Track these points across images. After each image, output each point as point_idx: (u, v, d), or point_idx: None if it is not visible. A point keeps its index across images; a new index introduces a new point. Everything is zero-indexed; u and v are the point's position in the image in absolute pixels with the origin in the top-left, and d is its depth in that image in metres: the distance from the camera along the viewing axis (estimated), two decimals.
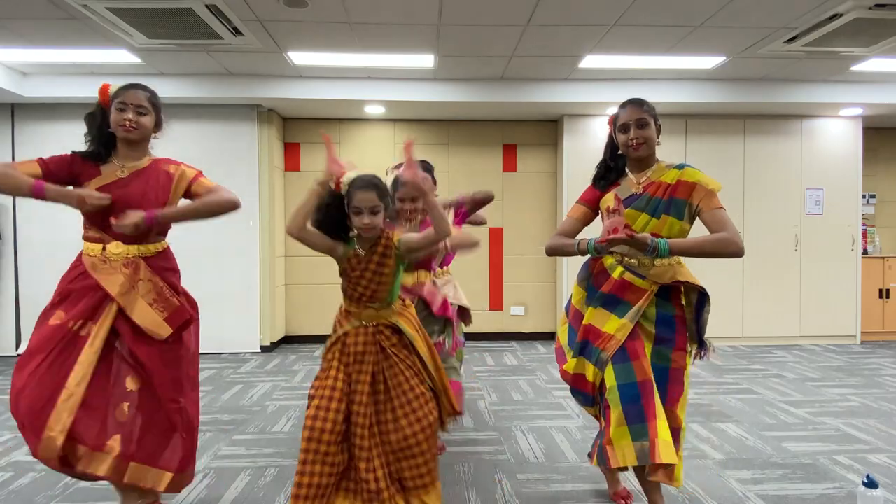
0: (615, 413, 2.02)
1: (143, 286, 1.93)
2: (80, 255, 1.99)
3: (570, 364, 2.23)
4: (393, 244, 1.95)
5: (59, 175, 1.94)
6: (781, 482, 2.61)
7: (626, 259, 2.11)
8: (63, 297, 1.93)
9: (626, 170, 2.22)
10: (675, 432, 2.04)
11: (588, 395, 2.18)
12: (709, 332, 2.19)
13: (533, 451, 3.01)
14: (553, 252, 2.27)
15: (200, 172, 2.18)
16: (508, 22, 3.93)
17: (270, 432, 3.32)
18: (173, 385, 2.02)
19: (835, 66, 4.91)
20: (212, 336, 5.51)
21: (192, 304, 2.17)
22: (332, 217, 1.89)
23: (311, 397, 1.90)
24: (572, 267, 5.83)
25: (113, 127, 2.00)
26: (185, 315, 2.01)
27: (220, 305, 5.52)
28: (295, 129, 6.13)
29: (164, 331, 1.96)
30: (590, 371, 2.14)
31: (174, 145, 6.32)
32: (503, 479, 2.66)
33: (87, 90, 5.09)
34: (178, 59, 4.68)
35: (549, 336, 6.31)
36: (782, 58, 4.68)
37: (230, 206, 2.07)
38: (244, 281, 5.60)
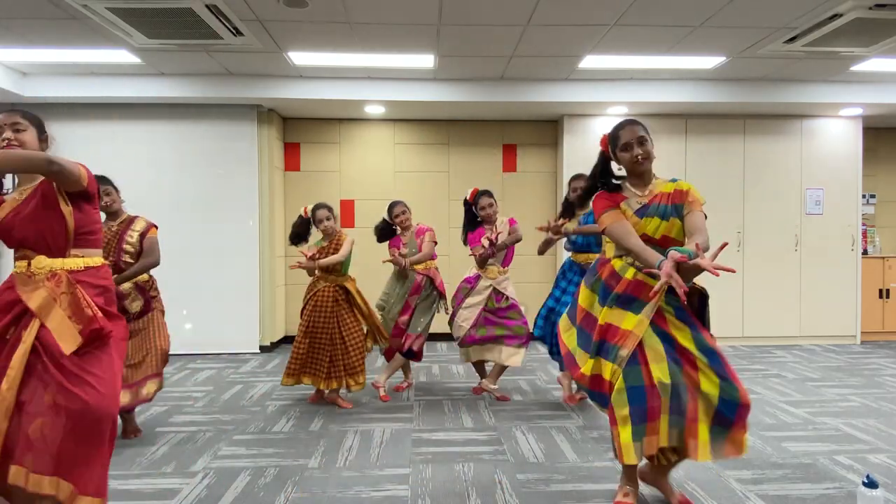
0: (620, 413, 2.11)
1: (63, 299, 1.90)
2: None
3: (588, 366, 2.25)
4: (341, 241, 3.77)
5: None
6: (781, 482, 2.61)
7: (638, 262, 2.20)
8: None
9: (626, 184, 2.35)
10: (744, 408, 2.07)
11: (606, 396, 2.19)
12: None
13: (533, 451, 3.01)
14: (637, 258, 2.18)
15: (82, 164, 2.05)
16: (508, 22, 3.93)
17: (270, 432, 3.32)
18: (109, 386, 1.91)
19: (835, 66, 4.91)
20: (212, 336, 5.54)
21: (101, 320, 1.95)
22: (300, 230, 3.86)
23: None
24: None
25: None
26: (94, 324, 1.88)
27: (219, 306, 5.52)
28: (295, 129, 6.13)
29: (73, 342, 1.85)
30: (607, 370, 2.19)
31: (175, 145, 6.33)
32: (503, 479, 2.66)
33: (87, 90, 5.10)
34: (178, 59, 4.69)
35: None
36: (782, 58, 4.68)
37: (47, 167, 1.86)
38: (244, 281, 5.60)
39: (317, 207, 3.78)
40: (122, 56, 4.54)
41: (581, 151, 5.87)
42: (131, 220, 3.26)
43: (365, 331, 3.86)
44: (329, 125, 6.14)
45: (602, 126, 5.90)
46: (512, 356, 3.82)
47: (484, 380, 4.05)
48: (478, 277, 3.94)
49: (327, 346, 3.69)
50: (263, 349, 5.63)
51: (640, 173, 2.30)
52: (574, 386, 3.82)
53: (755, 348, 5.82)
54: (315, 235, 3.92)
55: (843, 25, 3.88)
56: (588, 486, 2.57)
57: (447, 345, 6.00)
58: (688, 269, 1.92)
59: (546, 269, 6.24)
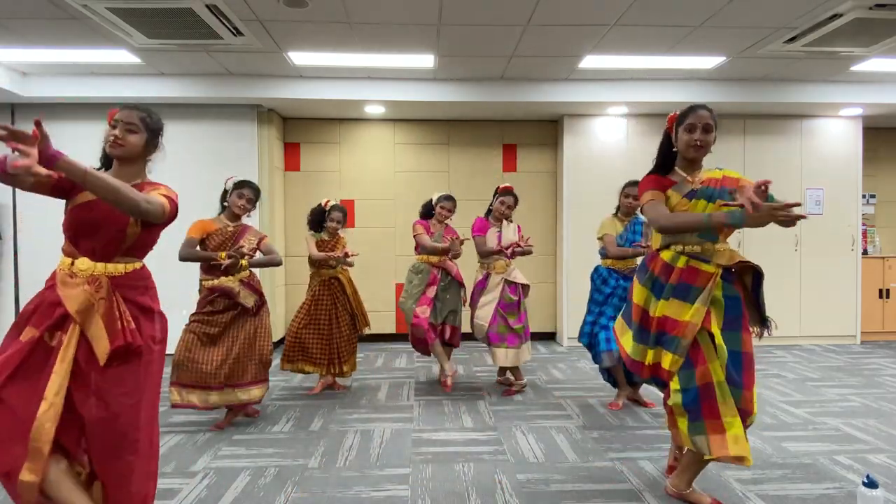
0: (678, 412, 2.24)
1: (101, 305, 1.86)
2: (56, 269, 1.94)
3: (649, 356, 2.32)
4: (342, 238, 4.17)
5: (62, 184, 1.89)
6: (781, 482, 2.61)
7: (688, 247, 2.26)
8: (33, 311, 1.86)
9: (676, 168, 2.37)
10: (746, 414, 2.22)
11: (665, 382, 2.32)
12: (773, 334, 2.38)
13: (533, 451, 3.01)
14: (677, 228, 2.24)
15: (171, 200, 1.99)
16: (508, 22, 3.93)
17: (270, 432, 3.32)
18: (130, 411, 1.87)
19: (835, 66, 4.91)
20: None
21: (150, 334, 1.94)
22: (316, 218, 4.11)
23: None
24: (572, 267, 5.84)
25: (104, 143, 1.99)
26: (118, 340, 1.83)
27: None
28: (295, 129, 6.13)
29: (104, 354, 1.82)
30: (667, 359, 2.26)
31: (175, 145, 6.35)
32: (503, 479, 2.66)
33: (87, 90, 5.09)
34: (178, 59, 4.69)
35: (550, 336, 6.31)
36: (782, 58, 4.68)
37: (135, 208, 1.81)
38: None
39: (336, 209, 4.09)
40: (122, 56, 4.54)
41: (581, 151, 5.87)
42: (245, 228, 3.48)
43: (352, 316, 4.15)
44: (329, 125, 6.14)
45: (602, 126, 5.91)
46: (519, 353, 4.04)
47: (509, 377, 4.31)
48: (487, 277, 4.07)
49: (326, 334, 4.00)
50: None
51: (693, 159, 2.32)
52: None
53: (755, 348, 5.77)
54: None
55: (843, 25, 3.88)
56: (588, 486, 2.57)
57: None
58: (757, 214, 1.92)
59: (546, 268, 6.24)
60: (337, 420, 3.53)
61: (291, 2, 3.58)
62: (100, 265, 1.90)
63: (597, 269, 3.88)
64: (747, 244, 5.94)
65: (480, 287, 4.10)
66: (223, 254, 3.27)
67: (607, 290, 3.73)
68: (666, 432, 3.27)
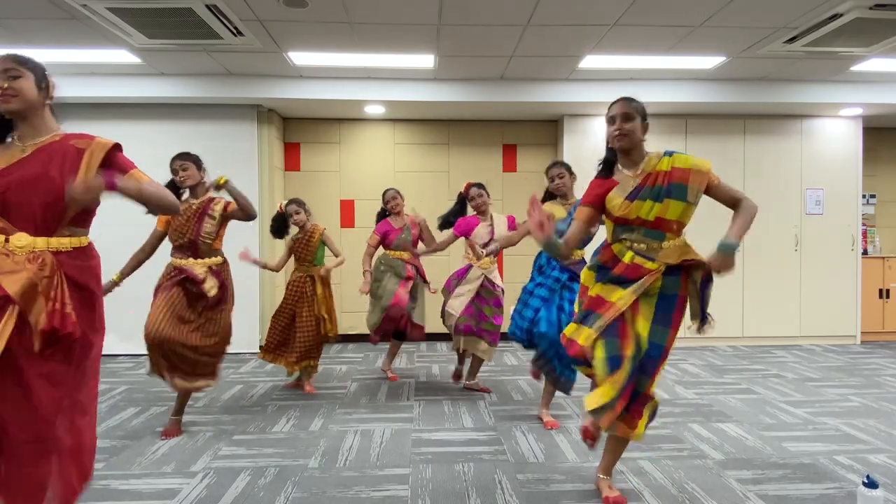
0: (601, 378, 2.23)
1: (45, 284, 1.64)
2: None
3: (570, 329, 2.37)
4: (318, 235, 4.13)
5: None
6: (781, 482, 2.61)
7: (636, 245, 2.24)
8: None
9: (619, 167, 2.36)
10: (646, 398, 2.26)
11: (579, 358, 2.34)
12: (708, 333, 2.31)
13: (533, 451, 3.01)
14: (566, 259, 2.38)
15: (119, 146, 1.84)
16: (508, 22, 3.93)
17: (270, 432, 3.32)
18: (52, 406, 1.67)
19: (835, 66, 4.91)
20: None
21: (89, 324, 1.75)
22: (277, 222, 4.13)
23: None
24: None
25: None
26: (52, 322, 1.64)
27: None
28: (295, 129, 6.13)
29: (38, 339, 1.63)
30: (584, 333, 2.28)
31: (175, 145, 6.36)
32: (503, 479, 2.66)
33: (87, 90, 5.10)
34: (178, 59, 4.69)
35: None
36: (782, 58, 4.68)
37: (174, 208, 1.84)
38: (244, 281, 5.57)
39: (288, 203, 4.09)
40: (122, 56, 4.54)
41: (581, 151, 5.87)
42: (210, 200, 3.26)
43: (316, 318, 4.08)
44: (329, 125, 6.14)
45: (602, 126, 5.88)
46: (485, 351, 3.98)
47: (465, 376, 4.28)
48: (468, 268, 4.00)
49: (298, 329, 4.03)
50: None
51: (625, 151, 2.31)
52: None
53: (755, 348, 5.82)
54: (295, 229, 4.24)
55: (843, 25, 3.88)
56: (588, 486, 2.57)
57: (447, 345, 6.00)
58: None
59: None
60: (337, 420, 3.53)
61: (291, 2, 3.58)
62: (40, 240, 1.68)
63: (539, 254, 3.61)
64: (747, 244, 5.94)
65: (459, 276, 4.01)
66: (214, 287, 3.13)
67: (539, 279, 3.47)
68: (666, 432, 3.27)
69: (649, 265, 2.20)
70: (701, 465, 2.80)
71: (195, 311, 3.14)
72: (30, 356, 1.63)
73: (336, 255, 4.16)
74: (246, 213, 3.22)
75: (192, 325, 3.11)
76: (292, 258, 4.28)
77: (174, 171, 3.22)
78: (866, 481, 2.10)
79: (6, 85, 1.67)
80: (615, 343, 2.21)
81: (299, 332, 4.01)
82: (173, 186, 3.20)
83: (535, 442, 3.13)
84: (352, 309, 6.13)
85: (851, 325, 6.04)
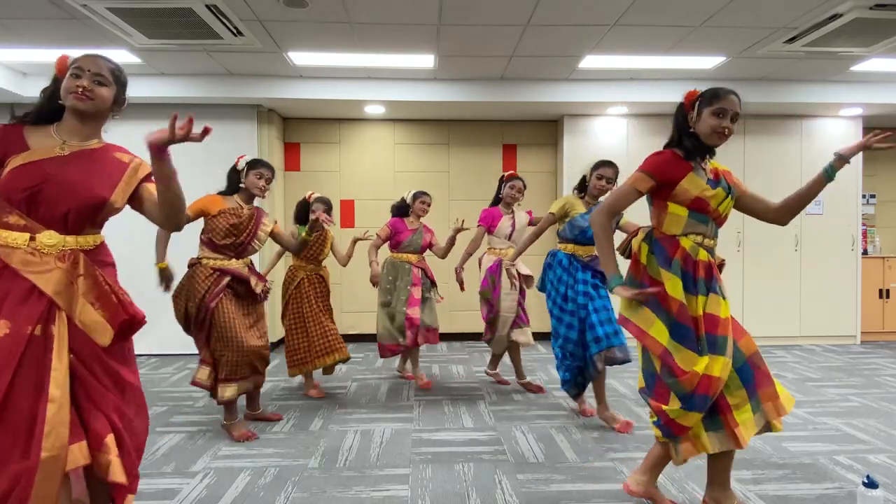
0: (739, 395, 2.04)
1: (83, 283, 1.63)
2: None
3: (701, 364, 1.98)
4: (331, 238, 4.07)
5: None
6: (781, 482, 2.61)
7: (706, 241, 2.13)
8: None
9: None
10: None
11: (711, 397, 1.99)
12: None
13: (533, 451, 3.01)
14: (594, 238, 2.18)
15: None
16: (508, 22, 3.93)
17: (270, 432, 3.32)
18: (135, 377, 1.77)
19: (835, 66, 4.91)
20: None
21: (130, 306, 1.76)
22: (301, 211, 3.90)
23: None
24: None
25: (63, 95, 1.67)
26: (120, 316, 1.67)
27: None
28: (295, 129, 6.13)
29: (107, 335, 1.65)
30: (717, 366, 1.98)
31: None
32: (503, 479, 2.66)
33: None
34: (178, 59, 4.69)
35: (549, 336, 6.29)
36: (782, 58, 4.68)
37: (183, 220, 1.82)
38: None
39: (319, 200, 3.91)
40: (122, 56, 4.54)
41: (581, 151, 5.87)
42: (261, 212, 3.29)
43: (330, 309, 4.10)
44: (329, 125, 6.14)
45: (602, 126, 5.91)
46: (529, 336, 4.10)
47: (518, 376, 4.29)
48: (499, 263, 3.99)
49: (322, 323, 3.93)
50: None
51: (711, 147, 2.12)
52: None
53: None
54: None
55: (843, 25, 3.88)
56: (588, 486, 2.57)
57: (447, 344, 6.00)
58: None
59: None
60: (337, 420, 3.53)
61: (291, 2, 3.58)
62: (70, 238, 1.65)
63: (555, 254, 3.48)
64: (747, 244, 5.94)
65: (492, 271, 3.96)
66: (259, 284, 3.20)
67: (570, 281, 3.33)
68: None
69: (711, 261, 2.10)
70: (701, 465, 2.79)
71: (245, 312, 3.20)
72: (96, 356, 1.65)
73: (340, 263, 4.16)
74: (287, 249, 3.54)
75: (249, 327, 3.20)
76: (283, 259, 4.27)
77: (258, 175, 3.21)
78: (866, 481, 2.09)
79: (89, 87, 1.66)
80: (738, 347, 2.10)
81: (325, 324, 3.89)
82: (248, 194, 3.28)
83: (535, 442, 3.13)
84: (352, 309, 6.13)
85: (851, 325, 6.04)
